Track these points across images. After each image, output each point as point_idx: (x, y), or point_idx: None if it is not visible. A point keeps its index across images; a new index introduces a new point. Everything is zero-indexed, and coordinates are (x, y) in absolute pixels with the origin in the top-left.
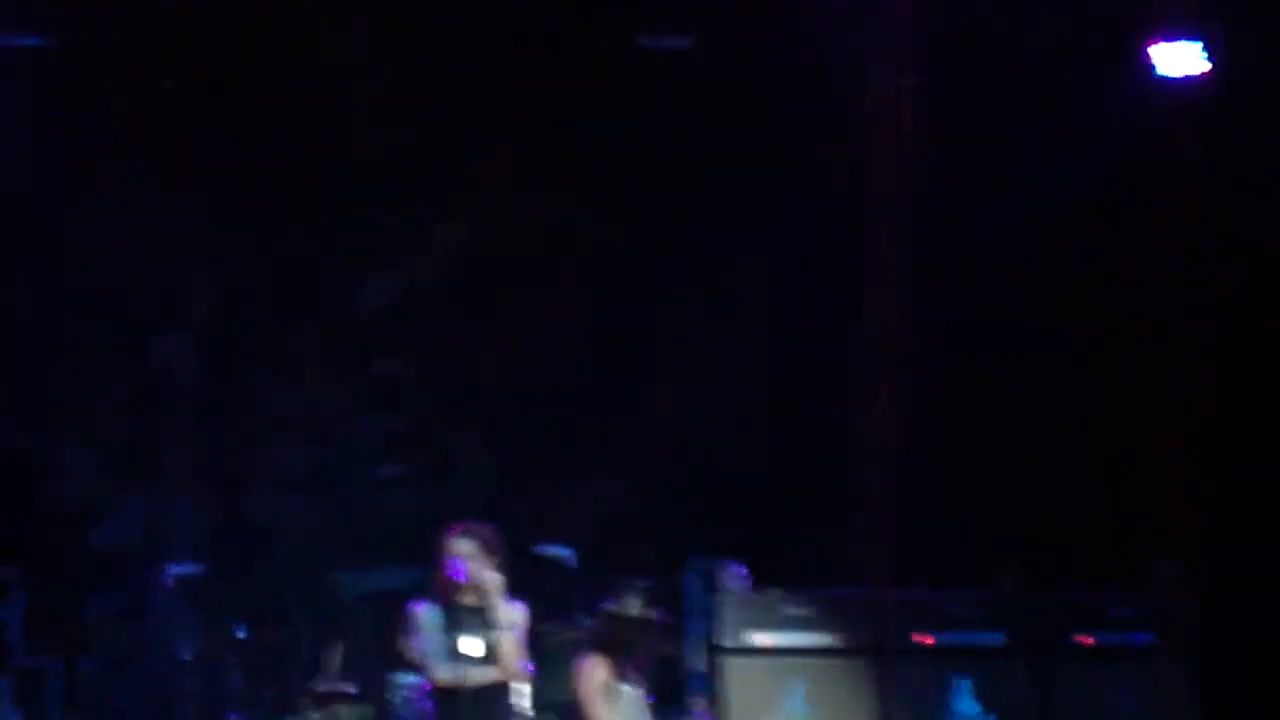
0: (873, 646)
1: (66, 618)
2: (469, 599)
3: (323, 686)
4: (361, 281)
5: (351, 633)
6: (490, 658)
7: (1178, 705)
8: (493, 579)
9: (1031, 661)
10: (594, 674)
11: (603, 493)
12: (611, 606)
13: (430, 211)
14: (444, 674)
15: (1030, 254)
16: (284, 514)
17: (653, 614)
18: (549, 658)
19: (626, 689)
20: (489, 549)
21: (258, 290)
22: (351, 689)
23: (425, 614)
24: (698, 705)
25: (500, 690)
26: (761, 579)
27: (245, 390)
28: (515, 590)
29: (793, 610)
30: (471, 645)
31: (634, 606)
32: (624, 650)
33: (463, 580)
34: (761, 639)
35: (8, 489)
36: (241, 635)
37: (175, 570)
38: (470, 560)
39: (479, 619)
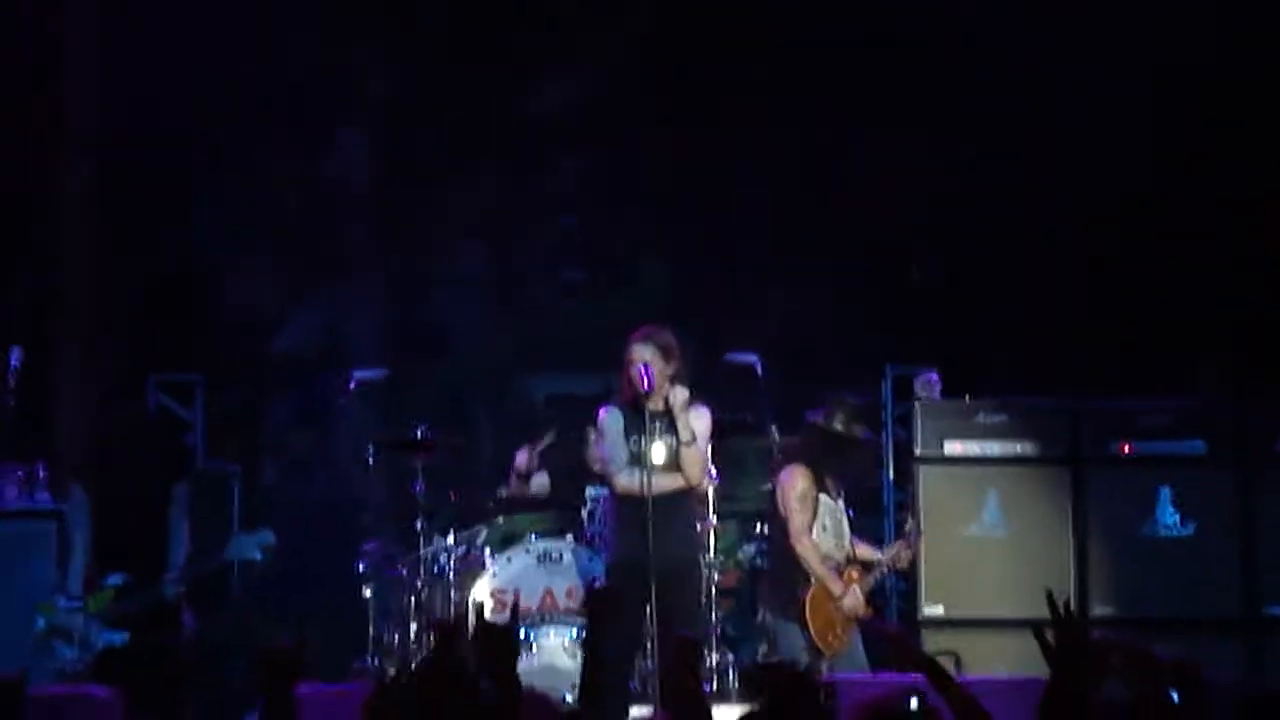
0: (1070, 455)
1: (248, 423)
2: (653, 405)
3: (507, 492)
4: (540, 81)
5: (535, 438)
6: (673, 464)
7: None
8: (679, 387)
9: (1234, 470)
10: (795, 483)
11: (794, 299)
12: (819, 420)
13: (608, 7)
14: (625, 480)
15: None
16: (464, 317)
17: (859, 430)
18: (735, 466)
19: (825, 499)
20: (669, 354)
21: (435, 89)
22: (537, 494)
23: (608, 419)
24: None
25: (683, 497)
26: (956, 388)
27: (423, 192)
28: (702, 397)
29: (989, 418)
30: (655, 451)
31: (841, 422)
32: (827, 464)
33: (647, 386)
34: (957, 447)
35: (189, 296)
36: (424, 439)
37: (357, 374)
38: (653, 365)
39: (663, 425)
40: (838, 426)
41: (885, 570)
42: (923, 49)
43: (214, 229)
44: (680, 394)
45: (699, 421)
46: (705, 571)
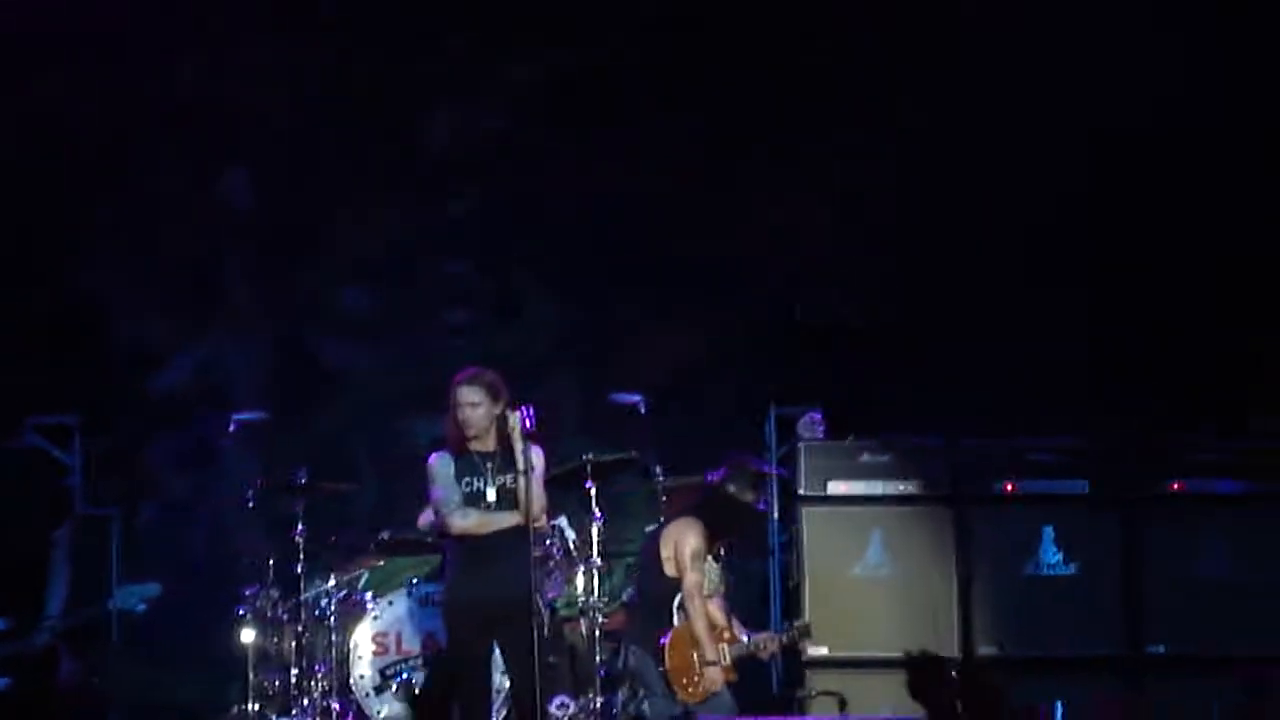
0: (954, 495)
1: (128, 464)
2: (482, 446)
3: (389, 535)
4: (430, 120)
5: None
6: (507, 503)
7: (1269, 553)
8: (512, 414)
9: (1116, 509)
10: (689, 541)
11: (678, 340)
12: (724, 484)
13: (501, 45)
14: (460, 521)
15: None
16: (348, 357)
17: (752, 498)
18: (620, 507)
19: (709, 561)
20: (497, 393)
21: (323, 126)
22: (420, 537)
23: (438, 464)
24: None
25: (520, 535)
26: (839, 428)
27: (308, 233)
28: (586, 436)
29: (872, 458)
30: (487, 492)
31: (738, 488)
32: (720, 526)
33: (530, 426)
34: (841, 487)
35: (68, 335)
36: (305, 482)
37: (237, 417)
38: (480, 406)
39: (495, 464)
40: (733, 490)
41: (748, 651)
42: (808, 89)
43: (93, 269)
44: (515, 420)
45: (535, 458)
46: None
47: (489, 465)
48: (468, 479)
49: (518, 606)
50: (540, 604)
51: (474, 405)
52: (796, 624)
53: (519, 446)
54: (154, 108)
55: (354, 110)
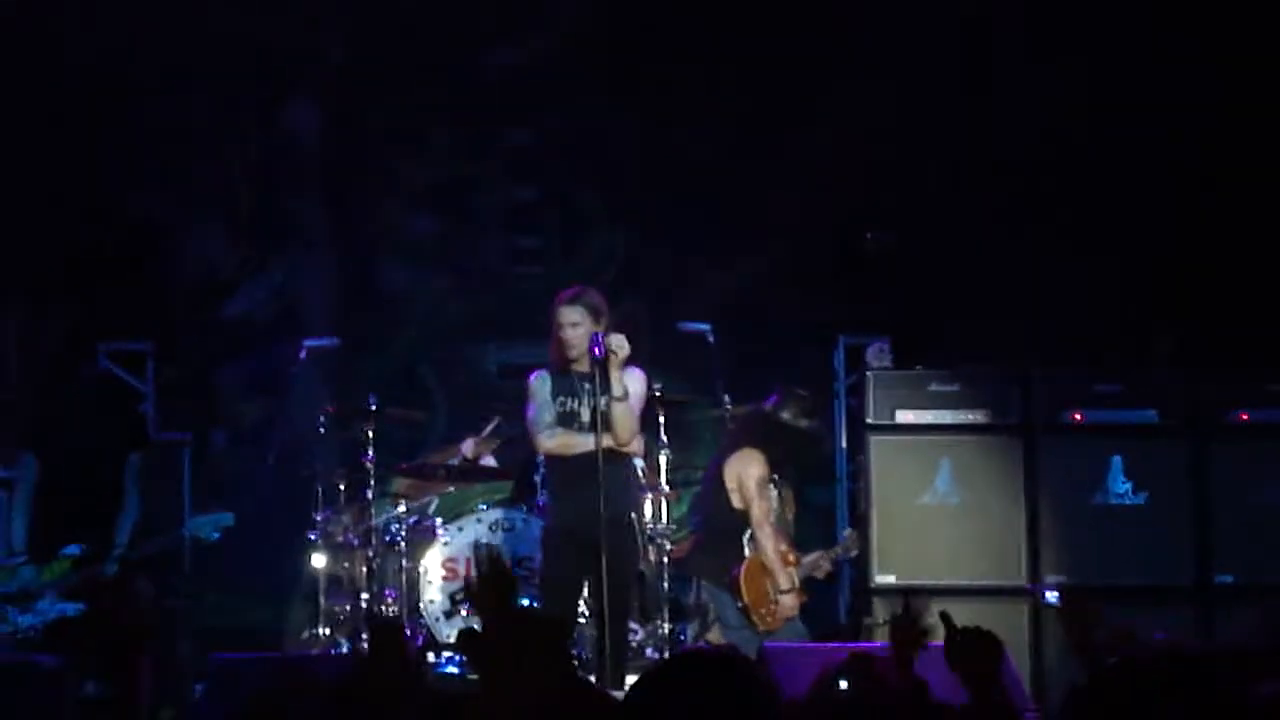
0: (1023, 424)
1: (199, 391)
2: (582, 367)
3: (459, 460)
4: (492, 46)
5: (490, 406)
6: (601, 425)
7: None
8: (618, 336)
9: (1186, 439)
10: (752, 470)
11: (747, 268)
12: (777, 411)
13: None
14: (547, 442)
15: None
16: (416, 285)
17: (805, 424)
18: (688, 435)
19: (770, 489)
20: (598, 314)
21: (386, 55)
22: (491, 463)
23: (537, 383)
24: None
25: (611, 458)
26: (908, 357)
27: (375, 158)
28: (655, 365)
29: (941, 387)
30: (582, 412)
31: (790, 414)
32: (775, 451)
33: (599, 354)
34: (909, 416)
35: (139, 262)
36: (375, 408)
37: (309, 342)
38: (582, 326)
39: (591, 386)
40: (785, 417)
41: (806, 573)
42: (876, 16)
43: (163, 194)
44: (621, 344)
45: (633, 382)
46: (639, 532)
47: (587, 386)
48: (563, 399)
49: (603, 530)
50: (638, 526)
51: (575, 325)
52: (846, 534)
53: (615, 370)
54: (218, 36)
55: (419, 38)
